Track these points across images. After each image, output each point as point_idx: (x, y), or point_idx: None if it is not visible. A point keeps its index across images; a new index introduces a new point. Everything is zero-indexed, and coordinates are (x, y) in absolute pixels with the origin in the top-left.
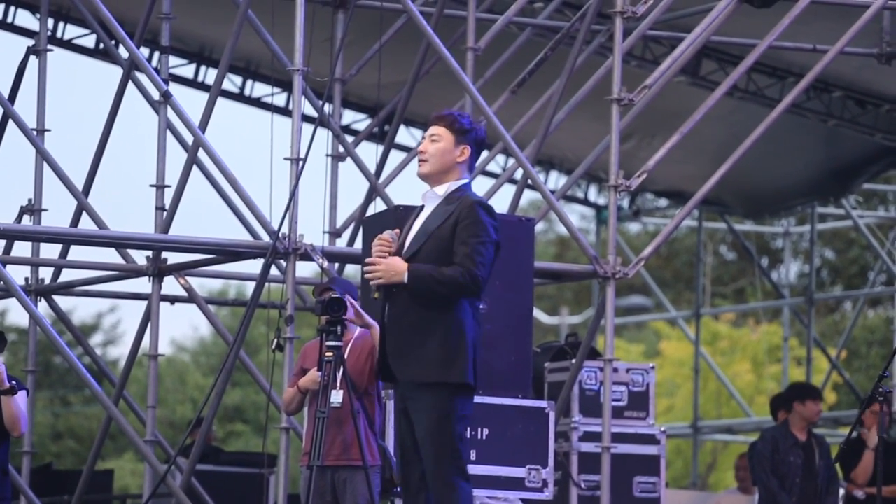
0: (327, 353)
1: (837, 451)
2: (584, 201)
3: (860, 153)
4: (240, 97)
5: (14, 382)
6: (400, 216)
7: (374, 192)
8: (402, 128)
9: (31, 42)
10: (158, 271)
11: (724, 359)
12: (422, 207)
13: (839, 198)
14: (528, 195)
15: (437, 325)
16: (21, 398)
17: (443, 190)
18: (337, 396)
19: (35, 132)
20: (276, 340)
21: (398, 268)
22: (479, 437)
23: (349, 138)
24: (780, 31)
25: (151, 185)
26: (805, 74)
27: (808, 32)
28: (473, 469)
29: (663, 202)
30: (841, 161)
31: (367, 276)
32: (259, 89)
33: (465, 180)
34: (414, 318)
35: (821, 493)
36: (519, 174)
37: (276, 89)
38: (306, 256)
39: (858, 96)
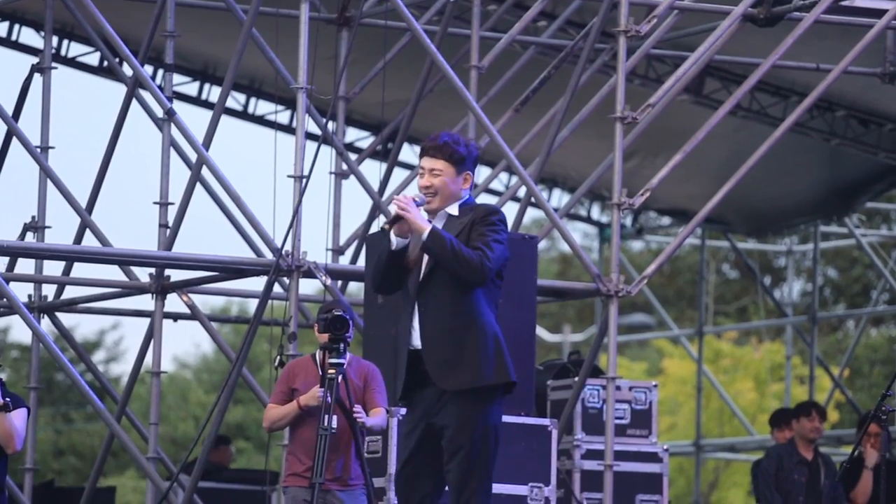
0: (330, 371)
1: (839, 470)
2: (588, 219)
3: (863, 172)
4: (243, 115)
5: (8, 399)
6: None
7: (377, 210)
8: (405, 146)
9: (35, 60)
10: (161, 288)
11: (726, 377)
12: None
13: (842, 216)
14: (532, 213)
15: (470, 330)
16: (18, 415)
17: (454, 210)
18: (334, 419)
19: (39, 149)
20: (278, 358)
21: (422, 222)
22: None
23: (353, 156)
24: (783, 50)
25: (155, 203)
26: (808, 93)
27: (811, 52)
28: None
29: (666, 220)
30: (844, 180)
31: (395, 203)
32: (263, 107)
33: (467, 195)
34: (449, 326)
35: None
36: (522, 192)
37: (279, 107)
38: (309, 274)
39: (862, 115)
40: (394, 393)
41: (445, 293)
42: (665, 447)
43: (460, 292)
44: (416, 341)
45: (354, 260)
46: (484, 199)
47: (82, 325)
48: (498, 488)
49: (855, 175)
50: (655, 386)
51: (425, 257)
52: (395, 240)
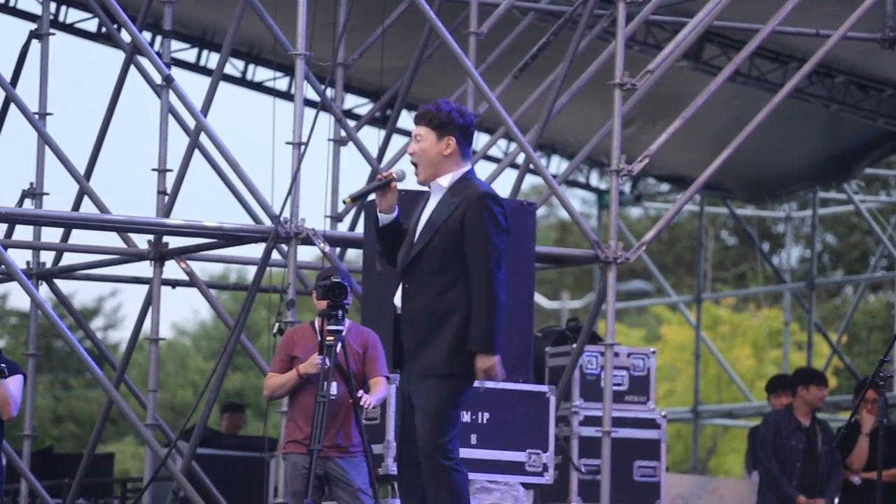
0: (328, 338)
1: (837, 436)
2: (586, 186)
3: (862, 138)
4: (242, 81)
5: (4, 365)
6: (402, 200)
7: (376, 176)
8: (404, 112)
9: (33, 26)
10: (160, 255)
11: (724, 343)
12: (428, 196)
13: (841, 183)
14: (530, 180)
15: (450, 317)
16: (14, 382)
17: (447, 181)
18: (332, 388)
19: (37, 116)
20: (277, 325)
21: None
22: (479, 421)
23: (351, 123)
24: (782, 15)
25: (153, 169)
26: (807, 59)
27: (810, 17)
28: (474, 453)
29: (665, 187)
30: (843, 146)
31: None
32: (261, 73)
33: (466, 167)
34: (430, 309)
35: (822, 479)
36: (521, 159)
37: (278, 74)
38: (308, 241)
39: (861, 81)
40: (391, 360)
41: (432, 277)
42: (663, 413)
43: (447, 278)
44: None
45: (353, 227)
46: (483, 165)
47: (81, 292)
48: (496, 455)
49: (854, 141)
50: (654, 352)
51: (417, 232)
52: (381, 216)
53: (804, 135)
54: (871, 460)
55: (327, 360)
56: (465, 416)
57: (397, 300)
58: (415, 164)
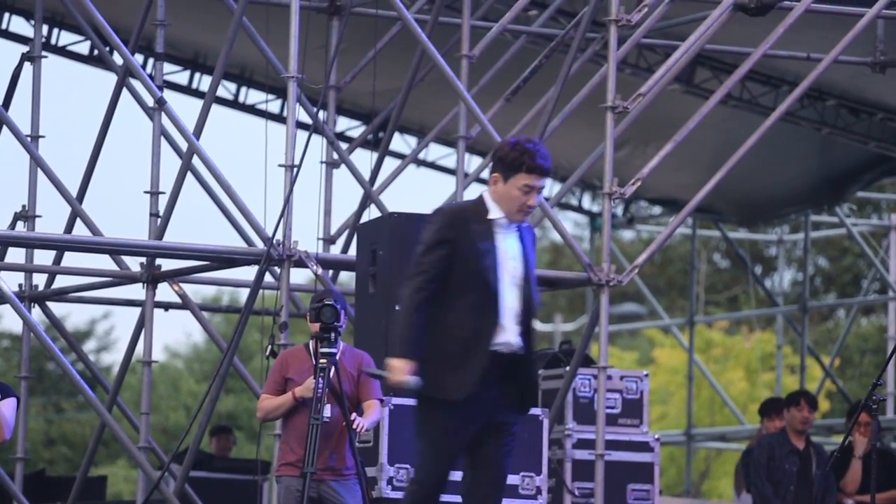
0: (322, 360)
1: (830, 459)
2: (579, 209)
3: (854, 161)
4: (234, 104)
5: None
6: (395, 223)
7: (368, 199)
8: (396, 135)
9: (25, 48)
10: (152, 278)
11: (717, 366)
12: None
13: (833, 206)
14: None
15: None
16: (7, 405)
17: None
18: (326, 411)
19: (29, 138)
20: (269, 347)
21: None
22: None
23: (343, 145)
24: (774, 39)
25: (146, 192)
26: (799, 83)
27: (802, 41)
28: None
29: (657, 210)
30: (834, 169)
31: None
32: (253, 96)
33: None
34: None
35: (815, 502)
36: None
37: (270, 96)
38: (300, 263)
39: (852, 105)
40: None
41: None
42: (656, 436)
43: None
44: (501, 340)
45: (345, 249)
46: (475, 188)
47: (73, 315)
48: None
49: (845, 164)
50: (647, 375)
51: (510, 266)
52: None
53: (796, 158)
54: (864, 483)
55: (321, 383)
56: None
57: (514, 338)
58: (526, 216)
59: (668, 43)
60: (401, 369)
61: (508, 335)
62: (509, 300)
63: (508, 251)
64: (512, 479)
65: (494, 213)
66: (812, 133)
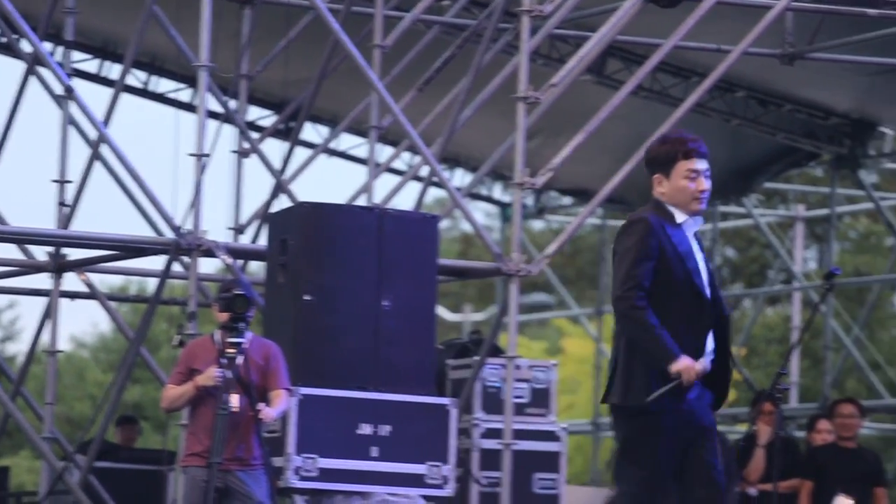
0: (230, 350)
1: (734, 448)
2: (490, 199)
3: (762, 152)
4: (144, 93)
5: None
6: (305, 213)
7: (279, 189)
8: (308, 124)
9: None
10: (59, 267)
11: None
12: (679, 226)
13: (740, 196)
14: (434, 192)
15: None
16: None
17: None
18: (233, 400)
19: None
20: (178, 337)
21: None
22: (380, 433)
23: (254, 135)
24: (684, 30)
25: (53, 181)
26: (709, 74)
27: (712, 33)
28: (375, 466)
29: (568, 200)
30: (743, 160)
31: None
32: (164, 85)
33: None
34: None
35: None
36: (425, 171)
37: (181, 85)
38: (210, 253)
39: (761, 96)
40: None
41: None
42: (563, 426)
43: None
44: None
45: (255, 239)
46: (386, 178)
47: None
48: (396, 467)
49: (754, 155)
50: (555, 365)
51: (698, 268)
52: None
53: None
54: (768, 472)
55: (227, 373)
56: (367, 429)
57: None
58: (703, 202)
59: (579, 34)
60: (685, 366)
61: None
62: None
63: (698, 254)
64: (419, 469)
65: (679, 216)
66: (721, 124)
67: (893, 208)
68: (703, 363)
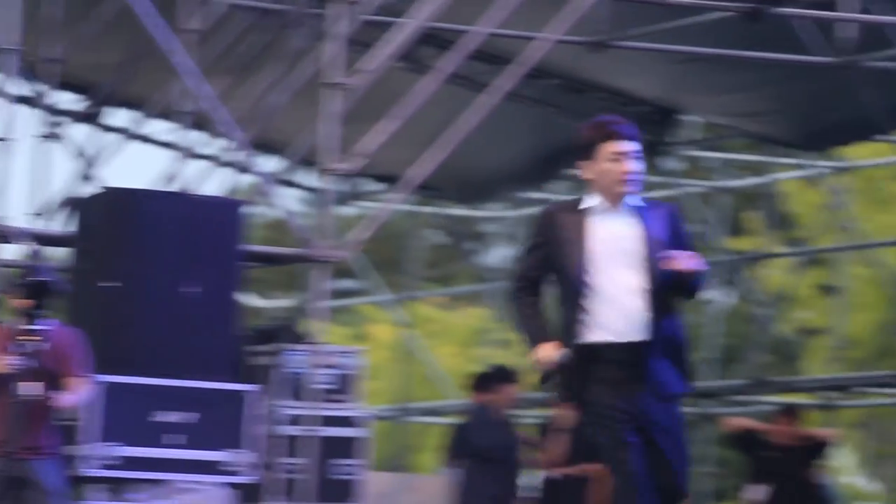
0: (28, 337)
1: (536, 431)
2: (301, 185)
3: (568, 139)
4: None
5: None
6: (111, 198)
7: (85, 174)
8: (117, 110)
9: None
10: None
11: (431, 342)
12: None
13: (547, 183)
14: (245, 178)
15: None
16: None
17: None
18: (30, 388)
19: None
20: None
21: None
22: (183, 421)
23: (61, 119)
24: (496, 18)
25: None
26: (520, 61)
27: (524, 20)
28: (178, 454)
29: (379, 186)
30: (553, 147)
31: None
32: None
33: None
34: None
35: (514, 473)
36: (236, 157)
37: None
38: (12, 238)
39: (572, 84)
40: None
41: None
42: (368, 412)
43: None
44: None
45: (60, 224)
46: (198, 164)
47: None
48: (199, 454)
49: (563, 143)
50: (361, 351)
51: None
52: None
53: (515, 136)
54: (569, 455)
55: (22, 360)
56: (171, 416)
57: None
58: (630, 183)
59: (392, 20)
60: (537, 356)
61: (614, 325)
62: (612, 287)
63: (614, 235)
64: (221, 456)
65: (588, 201)
66: (529, 111)
67: (699, 195)
68: (553, 354)
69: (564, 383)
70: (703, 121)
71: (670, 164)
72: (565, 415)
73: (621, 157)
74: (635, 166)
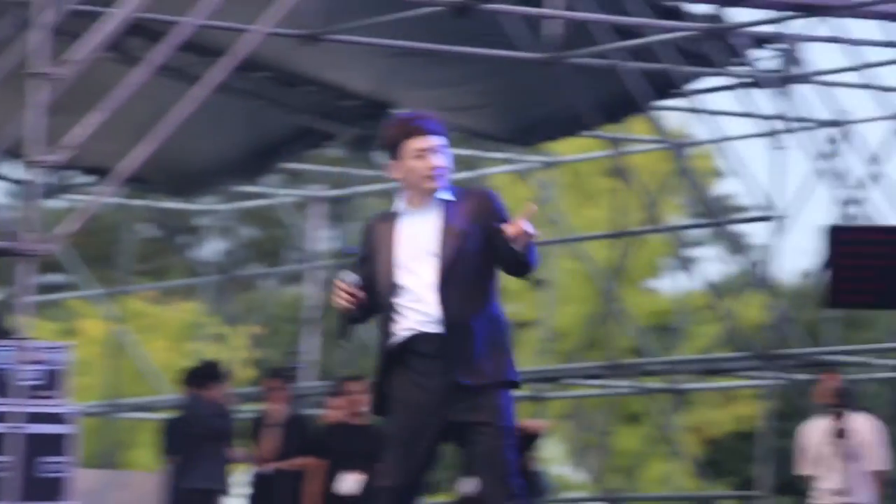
0: None
1: (249, 427)
2: (7, 177)
3: (282, 133)
4: None
5: None
6: None
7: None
8: None
9: None
10: None
11: (143, 336)
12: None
13: (260, 176)
14: None
15: None
16: None
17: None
18: None
19: None
20: None
21: None
22: None
23: None
24: (207, 9)
25: None
26: (232, 54)
27: (235, 12)
28: None
29: (88, 179)
30: (265, 140)
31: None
32: None
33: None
34: None
35: (224, 467)
36: None
37: None
38: None
39: (283, 77)
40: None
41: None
42: (77, 408)
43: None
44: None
45: None
46: None
47: None
48: None
49: (275, 136)
50: (69, 346)
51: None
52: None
53: (226, 129)
54: (281, 450)
55: None
56: None
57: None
58: (437, 179)
59: (101, 10)
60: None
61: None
62: (414, 280)
63: (415, 233)
64: None
65: (398, 205)
66: (242, 104)
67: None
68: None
69: (374, 387)
70: None
71: (383, 158)
72: (277, 409)
73: (426, 152)
74: (441, 161)
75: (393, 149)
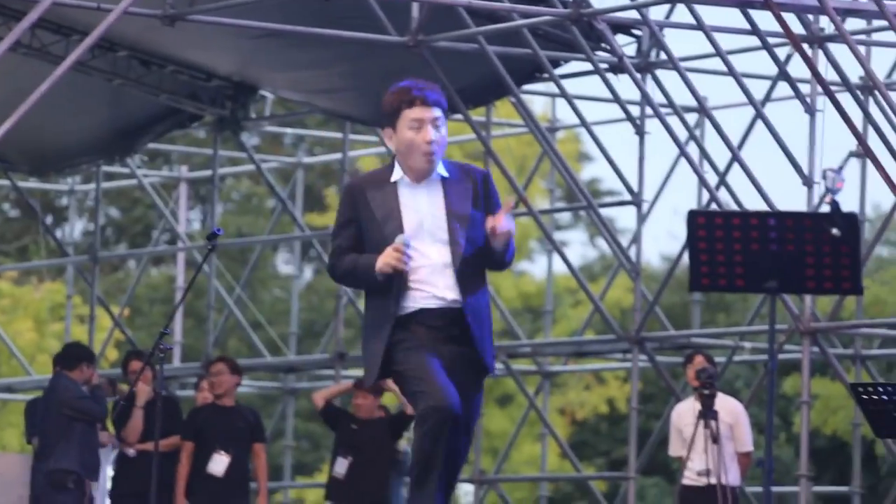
0: None
1: (115, 409)
2: None
3: (145, 113)
4: None
5: None
6: None
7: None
8: None
9: None
10: None
11: (5, 317)
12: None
13: (124, 157)
14: None
15: None
16: None
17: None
18: None
19: None
20: None
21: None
22: None
23: None
24: None
25: None
26: (90, 33)
27: None
28: None
29: None
30: (127, 120)
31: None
32: None
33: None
34: None
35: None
36: None
37: None
38: None
39: (144, 57)
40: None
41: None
42: None
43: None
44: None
45: None
46: None
47: None
48: None
49: (137, 116)
50: None
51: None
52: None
53: (88, 109)
54: (147, 432)
55: None
56: None
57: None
58: (432, 155)
59: None
60: (385, 258)
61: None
62: (425, 259)
63: (419, 210)
64: None
65: (396, 173)
66: (104, 84)
67: (274, 170)
68: (395, 252)
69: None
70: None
71: (248, 139)
72: (142, 390)
73: (422, 124)
74: (436, 135)
75: (390, 117)
